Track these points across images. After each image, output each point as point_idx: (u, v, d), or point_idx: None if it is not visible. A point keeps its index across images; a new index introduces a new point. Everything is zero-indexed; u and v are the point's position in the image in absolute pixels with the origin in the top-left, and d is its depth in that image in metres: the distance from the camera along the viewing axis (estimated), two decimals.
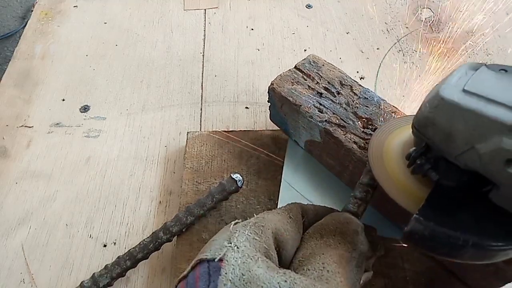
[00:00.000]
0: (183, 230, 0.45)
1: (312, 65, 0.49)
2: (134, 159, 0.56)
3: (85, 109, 0.62)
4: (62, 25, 0.74)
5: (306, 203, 0.35)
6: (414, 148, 0.34)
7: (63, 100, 0.63)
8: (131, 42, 0.71)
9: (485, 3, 0.73)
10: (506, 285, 0.35)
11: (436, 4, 0.74)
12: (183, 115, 0.61)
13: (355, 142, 0.42)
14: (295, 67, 0.49)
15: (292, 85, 0.47)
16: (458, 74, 0.30)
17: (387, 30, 0.70)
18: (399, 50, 0.67)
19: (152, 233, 0.44)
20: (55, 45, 0.71)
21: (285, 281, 0.25)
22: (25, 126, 0.60)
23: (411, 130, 0.34)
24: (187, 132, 0.55)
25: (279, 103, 0.48)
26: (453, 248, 0.29)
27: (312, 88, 0.47)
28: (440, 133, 0.30)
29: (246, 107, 0.61)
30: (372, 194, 0.36)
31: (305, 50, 0.68)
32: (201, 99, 0.62)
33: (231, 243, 0.27)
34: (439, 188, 0.32)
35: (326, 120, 0.44)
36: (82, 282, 0.42)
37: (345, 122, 0.43)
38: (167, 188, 0.53)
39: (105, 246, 0.48)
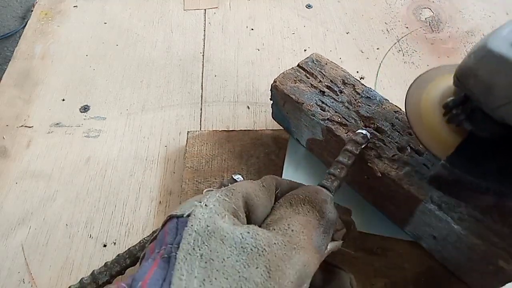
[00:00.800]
0: None
1: (315, 63, 0.49)
2: (134, 159, 0.56)
3: (85, 109, 0.62)
4: (62, 25, 0.74)
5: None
6: (452, 97, 0.35)
7: (63, 100, 0.63)
8: (131, 42, 0.71)
9: (485, 3, 0.73)
10: (506, 285, 0.35)
11: (436, 4, 0.74)
12: (183, 115, 0.61)
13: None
14: (298, 65, 0.49)
15: (295, 83, 0.47)
16: (509, 27, 0.30)
17: (387, 30, 0.70)
18: (399, 50, 0.67)
19: (152, 232, 0.44)
20: (55, 45, 0.71)
21: (248, 232, 0.25)
22: (25, 126, 0.60)
23: (452, 80, 0.34)
24: (187, 132, 0.55)
25: (282, 101, 0.48)
26: (474, 194, 0.31)
27: (314, 86, 0.47)
28: (481, 85, 0.30)
29: (248, 107, 0.61)
30: (347, 172, 0.37)
31: (305, 50, 0.68)
32: (201, 99, 0.62)
33: (201, 202, 0.28)
34: (471, 139, 0.33)
35: (328, 119, 0.44)
36: (81, 279, 0.42)
37: (347, 120, 0.43)
38: (167, 188, 0.53)
39: (105, 246, 0.48)
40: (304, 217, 0.30)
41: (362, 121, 0.43)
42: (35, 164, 0.56)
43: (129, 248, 0.43)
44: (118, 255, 0.43)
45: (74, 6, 0.78)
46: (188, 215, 0.27)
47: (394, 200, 0.41)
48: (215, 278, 0.23)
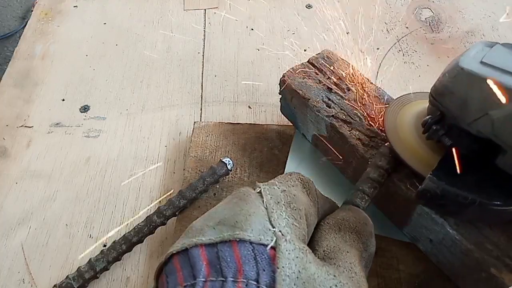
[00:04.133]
0: (176, 213, 0.46)
1: (325, 60, 0.49)
2: (134, 159, 0.56)
3: (85, 109, 0.62)
4: (62, 25, 0.74)
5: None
6: (429, 116, 0.37)
7: (63, 100, 0.63)
8: (131, 42, 0.71)
9: (485, 3, 0.73)
10: None
11: (436, 4, 0.74)
12: (183, 115, 0.61)
13: (359, 139, 0.42)
14: (308, 61, 0.49)
15: (303, 79, 0.47)
16: (475, 49, 0.33)
17: (387, 30, 0.70)
18: (399, 50, 0.67)
19: (147, 217, 0.45)
20: (55, 45, 0.71)
21: (336, 285, 0.25)
22: (25, 126, 0.60)
23: (421, 105, 0.38)
24: (194, 122, 0.55)
25: (289, 95, 0.48)
26: (461, 206, 0.32)
27: (322, 83, 0.47)
28: (457, 101, 0.33)
29: (249, 107, 0.61)
30: (379, 190, 0.37)
31: (305, 50, 0.68)
32: (201, 99, 0.62)
33: (274, 227, 0.25)
34: (450, 155, 0.35)
35: (333, 115, 0.44)
36: (79, 268, 0.42)
37: (351, 118, 0.44)
38: (167, 188, 0.52)
39: (105, 246, 0.48)
40: (354, 250, 0.29)
41: (367, 120, 0.43)
42: (35, 164, 0.56)
43: (124, 235, 0.44)
44: (114, 241, 0.44)
45: (74, 6, 0.78)
46: (272, 247, 0.24)
47: (394, 200, 0.41)
48: None
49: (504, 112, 0.29)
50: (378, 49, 0.67)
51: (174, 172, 0.54)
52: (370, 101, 0.45)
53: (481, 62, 0.31)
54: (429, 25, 0.71)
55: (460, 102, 0.32)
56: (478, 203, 0.31)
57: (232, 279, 0.23)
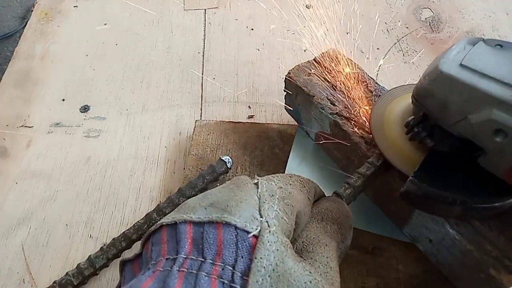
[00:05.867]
0: None
1: (331, 58, 0.49)
2: (134, 159, 0.56)
3: (85, 109, 0.62)
4: (62, 25, 0.74)
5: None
6: (412, 116, 0.37)
7: (63, 100, 0.63)
8: (131, 42, 0.71)
9: (485, 3, 0.73)
10: None
11: (436, 4, 0.74)
12: (183, 115, 0.61)
13: (362, 137, 0.42)
14: (314, 59, 0.50)
15: (309, 76, 0.47)
16: (456, 49, 0.32)
17: (387, 30, 0.70)
18: (399, 50, 0.67)
19: (146, 215, 0.45)
20: (55, 45, 0.71)
21: (310, 281, 0.25)
22: (25, 126, 0.60)
23: (408, 100, 0.37)
24: (195, 120, 0.56)
25: (294, 92, 0.49)
26: (444, 205, 0.33)
27: (327, 81, 0.47)
28: (437, 103, 0.33)
29: (249, 107, 0.61)
30: (364, 182, 0.37)
31: (305, 50, 0.68)
32: (201, 99, 0.62)
33: (262, 217, 0.26)
34: (433, 154, 0.36)
35: (337, 113, 0.44)
36: (78, 264, 0.42)
37: (355, 116, 0.44)
38: (167, 188, 0.53)
39: (105, 245, 0.48)
40: (333, 241, 0.30)
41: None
42: (35, 164, 0.56)
43: (123, 232, 0.44)
44: (114, 238, 0.44)
45: (74, 6, 0.78)
46: (254, 236, 0.25)
47: (394, 200, 0.41)
48: None
49: (481, 117, 0.29)
50: (378, 49, 0.67)
51: (174, 172, 0.54)
52: (374, 100, 0.45)
53: (461, 65, 0.31)
54: (429, 25, 0.71)
55: (440, 104, 0.32)
56: (459, 202, 0.32)
57: (210, 261, 0.24)
